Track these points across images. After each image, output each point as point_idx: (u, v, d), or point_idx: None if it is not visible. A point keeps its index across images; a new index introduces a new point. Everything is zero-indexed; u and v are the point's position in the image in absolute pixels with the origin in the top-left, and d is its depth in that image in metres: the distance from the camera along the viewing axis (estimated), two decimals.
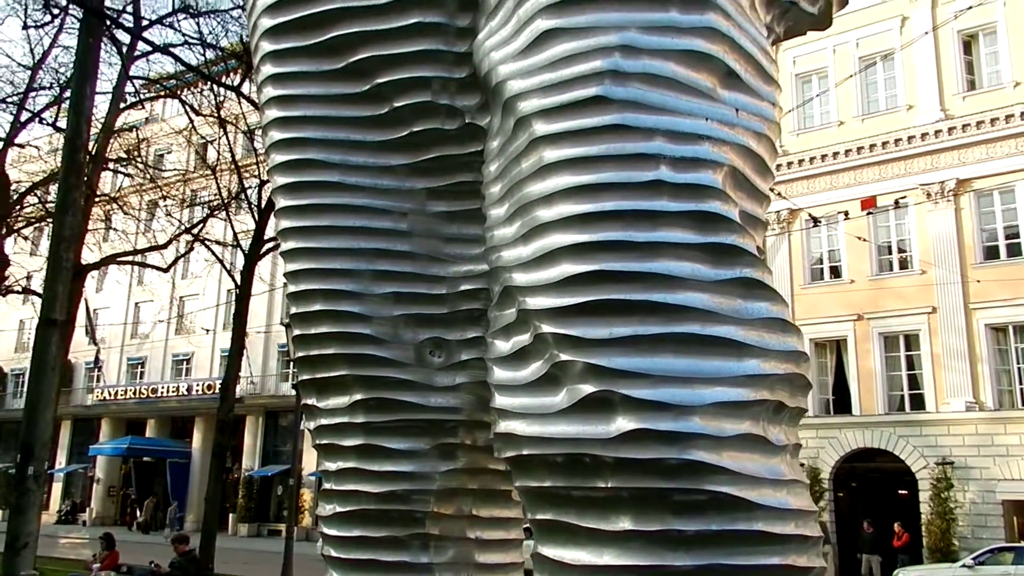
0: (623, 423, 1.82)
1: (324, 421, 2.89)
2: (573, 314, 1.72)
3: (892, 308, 20.65)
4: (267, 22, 1.68)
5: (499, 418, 1.98)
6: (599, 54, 1.26)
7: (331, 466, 2.91)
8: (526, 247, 1.34)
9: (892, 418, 20.25)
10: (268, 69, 1.69)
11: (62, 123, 14.89)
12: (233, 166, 16.20)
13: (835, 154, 22.17)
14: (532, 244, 1.32)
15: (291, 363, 17.23)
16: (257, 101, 1.75)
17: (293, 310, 2.61)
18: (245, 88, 13.87)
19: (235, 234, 16.94)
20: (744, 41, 1.34)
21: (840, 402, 21.16)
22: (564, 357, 1.73)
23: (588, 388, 1.78)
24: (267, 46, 1.69)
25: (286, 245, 1.77)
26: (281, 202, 1.69)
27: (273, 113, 1.63)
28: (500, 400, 1.99)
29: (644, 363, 1.75)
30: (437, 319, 2.57)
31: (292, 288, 2.35)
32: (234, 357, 15.03)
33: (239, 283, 15.28)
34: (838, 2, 1.75)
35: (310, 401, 2.91)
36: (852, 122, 22.28)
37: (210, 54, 14.35)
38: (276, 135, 1.62)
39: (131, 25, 12.40)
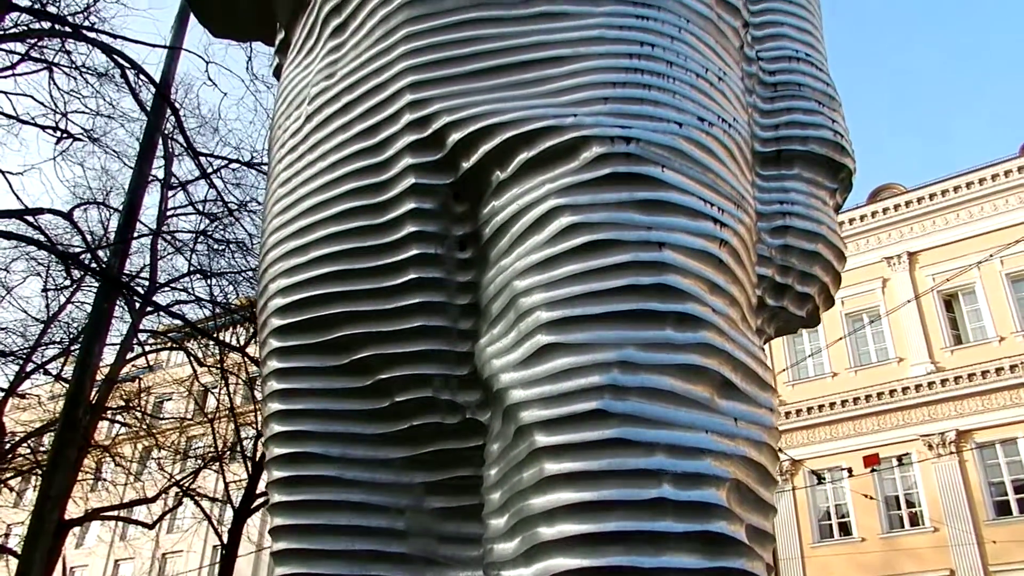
0: None
1: None
2: None
3: (909, 570, 19.71)
4: (276, 322, 1.76)
5: None
6: (598, 369, 1.29)
7: None
8: (527, 568, 1.29)
9: None
10: (273, 364, 1.75)
11: (65, 372, 15.09)
12: (231, 415, 16.21)
13: (831, 404, 22.29)
14: (534, 566, 1.28)
15: None
16: (260, 378, 1.79)
17: None
18: (251, 349, 14.20)
19: (226, 485, 16.54)
20: (738, 352, 1.38)
21: None
22: None
23: None
24: (274, 343, 1.76)
25: (277, 546, 1.69)
26: (276, 497, 1.64)
27: (275, 406, 1.65)
28: None
29: None
30: None
31: None
32: None
33: (226, 542, 14.67)
34: (824, 303, 1.83)
35: None
36: (845, 374, 22.64)
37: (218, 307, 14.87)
38: (276, 427, 1.62)
39: (146, 287, 12.98)
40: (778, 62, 1.91)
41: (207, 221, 13.70)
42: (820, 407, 22.37)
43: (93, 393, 12.52)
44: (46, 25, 9.90)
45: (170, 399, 26.63)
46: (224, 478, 16.45)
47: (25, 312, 15.79)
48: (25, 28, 9.74)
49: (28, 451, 18.67)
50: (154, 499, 17.03)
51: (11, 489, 23.08)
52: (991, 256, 19.80)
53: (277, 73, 2.31)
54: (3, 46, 9.50)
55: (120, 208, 11.38)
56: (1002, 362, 20.48)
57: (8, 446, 17.52)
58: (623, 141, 1.45)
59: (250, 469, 15.32)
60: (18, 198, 11.68)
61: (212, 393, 19.30)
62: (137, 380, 19.16)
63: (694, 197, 1.44)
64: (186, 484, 17.48)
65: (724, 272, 1.42)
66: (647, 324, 1.31)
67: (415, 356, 1.64)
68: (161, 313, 12.97)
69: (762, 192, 1.76)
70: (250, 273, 14.06)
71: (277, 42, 2.27)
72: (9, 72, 10.77)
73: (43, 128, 10.99)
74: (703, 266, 1.39)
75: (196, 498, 17.01)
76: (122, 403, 18.63)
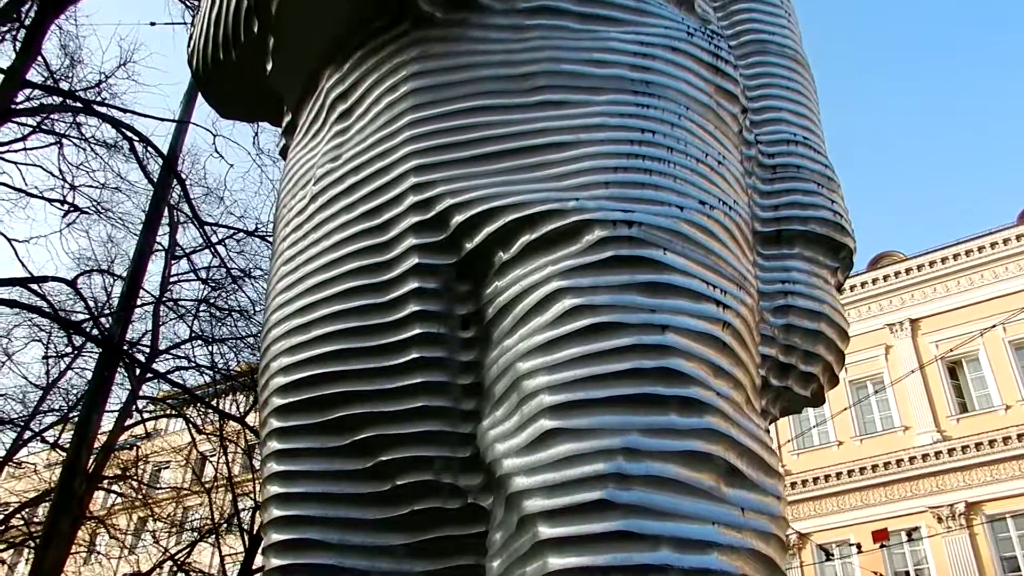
0: None
1: None
2: None
3: None
4: (277, 401, 1.75)
5: None
6: (602, 457, 1.27)
7: None
8: None
9: None
10: (273, 445, 1.73)
11: (63, 440, 14.95)
12: (229, 484, 15.98)
13: (838, 475, 21.98)
14: None
15: None
16: (260, 458, 1.76)
17: None
18: (251, 419, 14.11)
19: (222, 559, 16.21)
20: (743, 438, 1.36)
21: None
22: None
23: None
24: (275, 423, 1.75)
25: None
26: None
27: (274, 489, 1.63)
28: None
29: None
30: None
31: None
32: None
33: None
34: (829, 383, 1.82)
35: None
36: (850, 442, 22.40)
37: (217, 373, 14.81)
38: (275, 512, 1.59)
39: (147, 354, 12.96)
40: (777, 145, 1.95)
41: (210, 288, 13.75)
42: (826, 477, 22.05)
43: (90, 461, 12.38)
44: (57, 100, 10.12)
45: (167, 467, 26.31)
46: (220, 551, 16.14)
47: (25, 378, 15.71)
48: (38, 104, 9.96)
49: (22, 522, 18.36)
50: (148, 574, 16.65)
51: (3, 562, 22.62)
52: (994, 326, 19.78)
53: (283, 153, 2.35)
54: (15, 119, 9.69)
55: (124, 276, 11.48)
56: (1009, 431, 20.26)
57: (1, 517, 17.23)
58: (625, 225, 1.46)
59: (247, 542, 15.00)
60: (23, 265, 11.81)
61: (210, 461, 19.06)
62: (135, 448, 18.96)
63: (696, 279, 1.45)
64: (181, 558, 17.12)
65: (727, 355, 1.42)
66: (651, 409, 1.30)
67: (417, 437, 1.62)
68: (161, 380, 12.91)
69: (763, 271, 1.77)
70: (251, 339, 14.05)
71: (284, 124, 2.31)
72: (20, 146, 10.98)
73: (51, 202, 11.15)
74: (706, 349, 1.38)
75: (191, 574, 16.64)
76: (119, 471, 18.40)
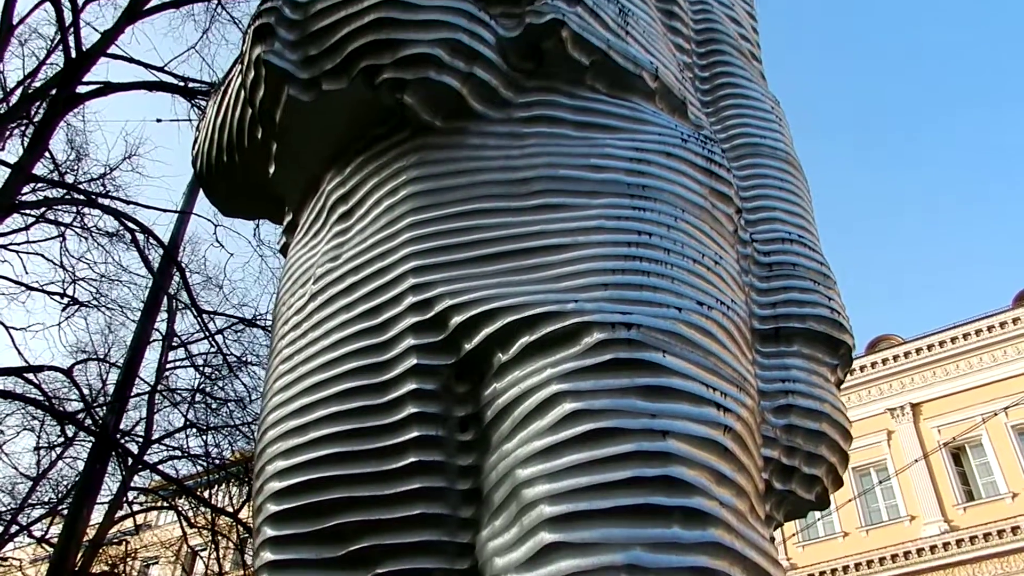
0: None
1: None
2: None
3: None
4: (272, 508, 1.71)
5: None
6: (606, 574, 1.24)
7: None
8: None
9: None
10: (267, 555, 1.67)
11: (51, 534, 14.55)
12: None
13: (844, 568, 21.40)
14: None
15: None
16: (253, 568, 1.70)
17: None
18: (244, 513, 13.77)
19: None
20: (748, 551, 1.33)
21: None
22: None
23: None
24: (269, 531, 1.70)
25: None
26: None
27: None
28: None
29: None
30: None
31: None
32: None
33: None
34: (833, 484, 1.79)
35: None
36: (856, 533, 21.88)
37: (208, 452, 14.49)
38: None
39: (140, 443, 12.78)
40: (772, 243, 1.97)
41: (206, 378, 13.65)
42: (832, 571, 21.46)
43: (78, 557, 12.03)
44: (62, 192, 10.28)
45: (155, 563, 25.56)
46: None
47: (15, 468, 15.42)
48: (43, 197, 10.12)
49: None
50: None
51: None
52: (995, 413, 19.63)
53: (283, 251, 2.38)
54: (20, 211, 9.82)
55: (119, 364, 11.41)
56: (1018, 520, 19.84)
57: None
58: (624, 327, 1.46)
59: None
60: (20, 353, 11.76)
61: (200, 557, 18.52)
62: (125, 543, 18.45)
63: (696, 382, 1.44)
64: None
65: (730, 460, 1.40)
66: (654, 521, 1.28)
67: (414, 547, 1.58)
68: (153, 471, 12.67)
69: (763, 370, 1.77)
70: (246, 428, 13.85)
71: (285, 223, 2.34)
72: (23, 237, 11.09)
73: (51, 295, 11.22)
74: (708, 455, 1.36)
75: None
76: (107, 567, 17.85)
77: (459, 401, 1.60)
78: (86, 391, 13.18)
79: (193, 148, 2.48)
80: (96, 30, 10.71)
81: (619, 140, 1.82)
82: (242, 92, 2.09)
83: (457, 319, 1.58)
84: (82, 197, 10.18)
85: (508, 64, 1.89)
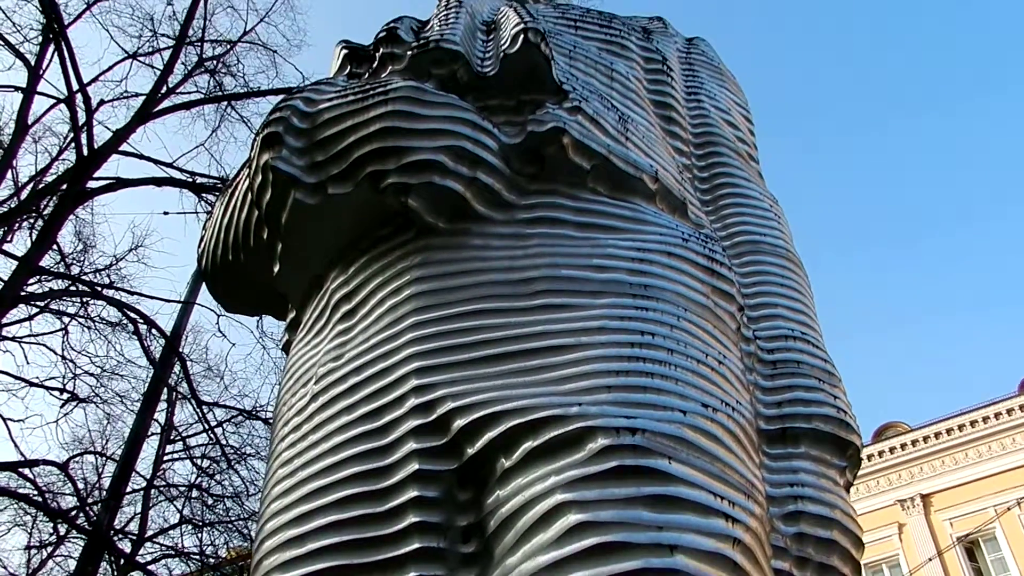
0: None
1: None
2: None
3: None
4: None
5: None
6: None
7: None
8: None
9: None
10: None
11: None
12: None
13: None
14: None
15: None
16: None
17: None
18: None
19: None
20: None
21: None
22: None
23: None
24: None
25: None
26: None
27: None
28: None
29: None
30: None
31: None
32: None
33: None
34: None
35: None
36: None
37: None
38: None
39: (133, 540, 12.47)
40: (775, 341, 1.96)
41: (203, 473, 13.41)
42: None
43: None
44: (66, 283, 10.35)
45: None
46: None
47: (4, 567, 14.96)
48: (48, 289, 10.18)
49: None
50: None
51: None
52: (1009, 508, 19.20)
53: (285, 348, 2.37)
54: (23, 302, 9.88)
55: (116, 456, 11.23)
56: None
57: None
58: (628, 432, 1.44)
59: None
60: (16, 446, 11.54)
61: None
62: None
63: (703, 491, 1.40)
64: None
65: None
66: None
67: None
68: (145, 573, 12.29)
69: (771, 473, 1.74)
70: (242, 523, 13.51)
71: (288, 320, 2.34)
72: (26, 329, 11.12)
73: (50, 390, 11.16)
74: (718, 571, 1.32)
75: None
76: None
77: (461, 509, 1.55)
78: (81, 485, 12.93)
79: (199, 246, 2.51)
80: (108, 128, 10.99)
81: (621, 240, 1.83)
82: (249, 195, 2.12)
83: (459, 422, 1.56)
84: (87, 289, 10.26)
85: (511, 168, 1.93)
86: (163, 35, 12.28)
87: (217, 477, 13.08)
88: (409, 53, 2.14)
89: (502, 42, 2.14)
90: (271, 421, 2.03)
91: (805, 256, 2.30)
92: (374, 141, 1.86)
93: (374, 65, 2.25)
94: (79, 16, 11.45)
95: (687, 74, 2.65)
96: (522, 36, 2.05)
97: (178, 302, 10.23)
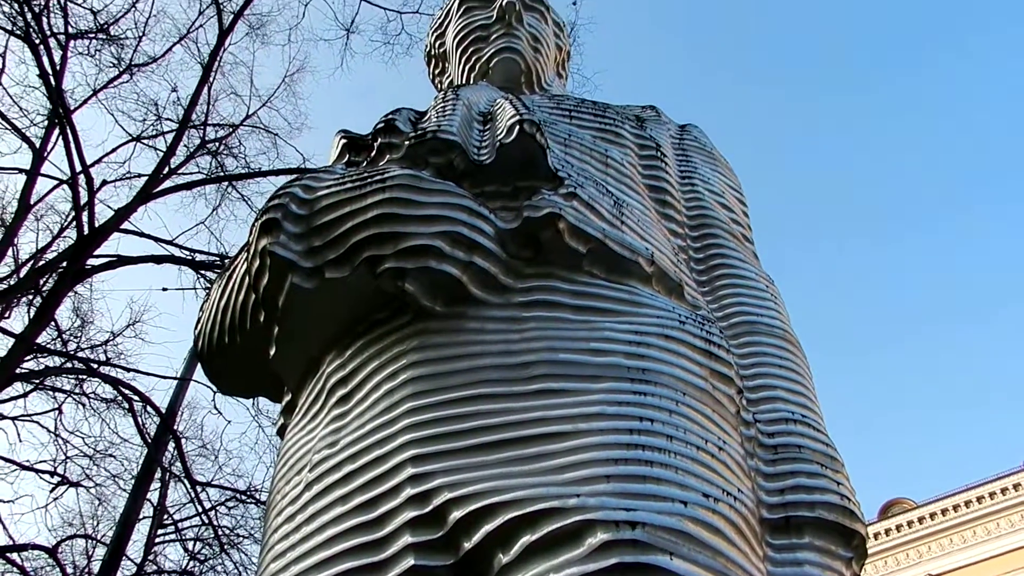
0: None
1: None
2: None
3: None
4: None
5: None
6: None
7: None
8: None
9: None
10: None
11: None
12: None
13: None
14: None
15: None
16: None
17: None
18: None
19: None
20: None
21: None
22: None
23: None
24: None
25: None
26: None
27: None
28: None
29: None
30: None
31: None
32: None
33: None
34: None
35: None
36: None
37: None
38: None
39: None
40: (776, 424, 1.94)
41: (193, 556, 13.10)
42: None
43: None
44: (61, 360, 10.31)
45: None
46: None
47: None
48: (43, 367, 10.14)
49: None
50: None
51: None
52: None
53: (280, 433, 2.34)
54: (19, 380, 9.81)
55: (106, 541, 10.97)
56: None
57: None
58: (628, 526, 1.40)
59: None
60: (5, 529, 11.31)
61: None
62: None
63: None
64: None
65: None
66: None
67: None
68: None
69: (775, 565, 1.69)
70: None
71: (283, 403, 2.32)
72: (21, 410, 11.03)
73: (40, 474, 11.01)
74: None
75: None
76: None
77: None
78: (71, 570, 12.61)
79: (195, 328, 2.51)
80: (110, 207, 11.12)
81: (618, 323, 1.83)
82: (246, 278, 2.13)
83: (456, 514, 1.52)
84: (82, 366, 10.20)
85: (507, 253, 1.94)
86: (167, 119, 12.57)
87: (210, 562, 12.77)
88: (407, 143, 2.17)
89: (498, 132, 2.18)
90: (264, 512, 1.99)
91: (804, 338, 2.30)
92: (371, 227, 1.87)
93: (372, 154, 2.29)
94: (84, 102, 11.73)
95: (680, 159, 2.69)
96: (518, 127, 2.09)
97: (174, 378, 10.15)
